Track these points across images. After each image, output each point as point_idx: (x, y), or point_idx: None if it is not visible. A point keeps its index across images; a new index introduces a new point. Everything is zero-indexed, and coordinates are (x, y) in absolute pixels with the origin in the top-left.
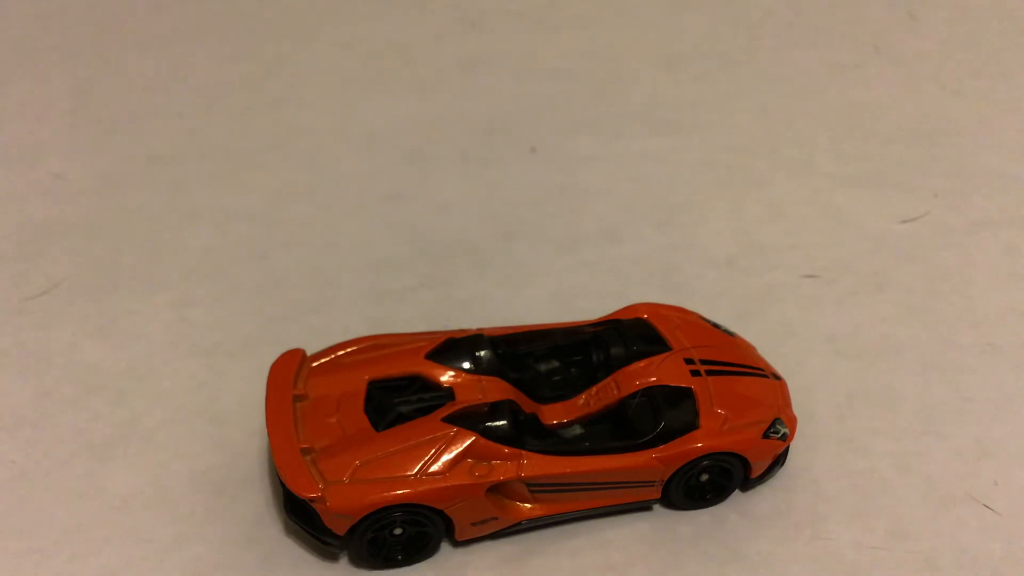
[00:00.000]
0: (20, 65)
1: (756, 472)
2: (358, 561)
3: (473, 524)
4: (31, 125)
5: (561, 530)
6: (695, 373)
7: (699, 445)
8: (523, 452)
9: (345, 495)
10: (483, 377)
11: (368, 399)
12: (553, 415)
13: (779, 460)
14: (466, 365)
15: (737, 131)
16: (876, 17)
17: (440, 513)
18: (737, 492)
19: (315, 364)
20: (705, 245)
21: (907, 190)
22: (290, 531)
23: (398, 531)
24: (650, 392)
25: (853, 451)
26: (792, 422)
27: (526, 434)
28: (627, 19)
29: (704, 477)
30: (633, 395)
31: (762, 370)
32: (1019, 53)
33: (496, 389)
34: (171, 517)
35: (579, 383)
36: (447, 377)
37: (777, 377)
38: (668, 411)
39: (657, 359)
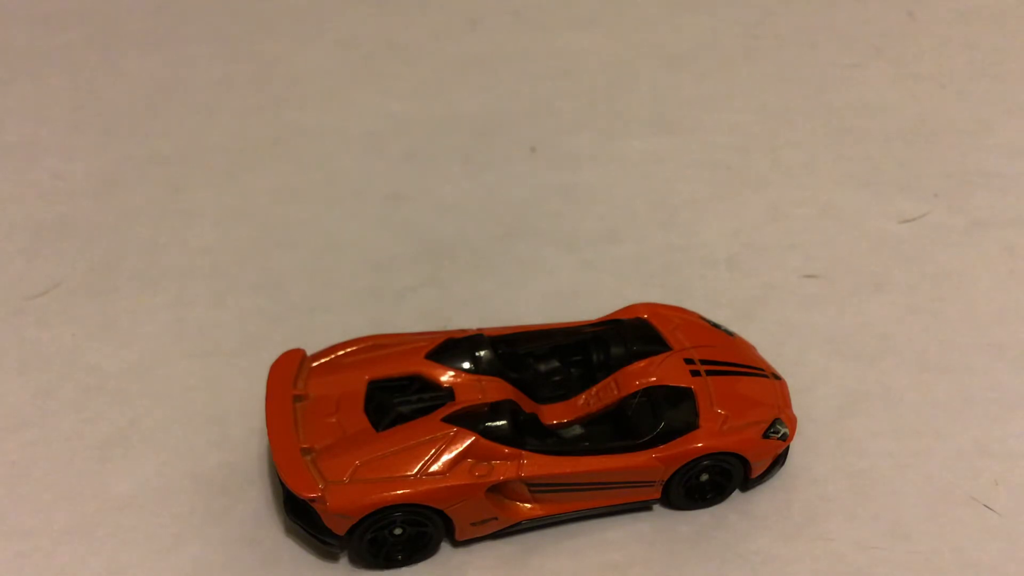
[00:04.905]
0: (20, 65)
1: (756, 472)
2: (358, 561)
3: (473, 524)
4: (31, 125)
5: (561, 530)
6: (695, 373)
7: (699, 445)
8: (523, 452)
9: (345, 495)
10: (483, 377)
11: (368, 399)
12: (553, 415)
13: (779, 460)
14: (466, 365)
15: (737, 131)
16: (876, 17)
17: (440, 513)
18: (737, 492)
19: (315, 364)
20: (705, 245)
21: (907, 190)
22: (290, 531)
23: (398, 531)
24: (650, 392)
25: (853, 451)
26: (792, 422)
27: (526, 434)
28: (627, 19)
29: (704, 477)
30: (633, 395)
31: (762, 370)
32: (1019, 53)
33: (496, 389)
34: (171, 517)
35: (579, 383)
36: (447, 377)
37: (777, 377)
38: (668, 411)
39: (657, 359)
